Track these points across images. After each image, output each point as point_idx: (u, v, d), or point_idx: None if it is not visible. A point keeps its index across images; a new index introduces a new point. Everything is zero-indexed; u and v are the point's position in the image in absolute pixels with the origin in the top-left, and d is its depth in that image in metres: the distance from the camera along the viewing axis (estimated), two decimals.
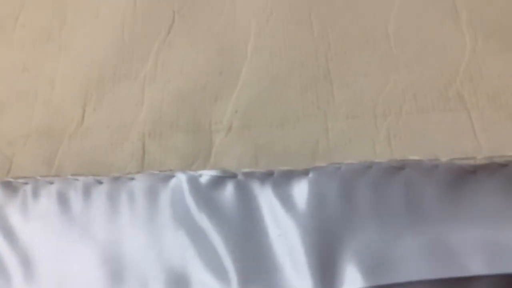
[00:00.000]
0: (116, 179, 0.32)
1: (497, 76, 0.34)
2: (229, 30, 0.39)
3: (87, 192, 0.31)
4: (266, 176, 0.31)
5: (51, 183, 0.32)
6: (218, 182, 0.31)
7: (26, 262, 0.31)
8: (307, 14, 0.39)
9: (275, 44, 0.38)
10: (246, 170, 0.31)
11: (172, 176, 0.32)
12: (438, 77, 0.35)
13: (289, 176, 0.31)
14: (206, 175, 0.31)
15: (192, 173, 0.31)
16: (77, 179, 0.32)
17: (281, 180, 0.31)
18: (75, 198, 0.31)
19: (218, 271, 0.30)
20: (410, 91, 0.35)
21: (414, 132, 0.33)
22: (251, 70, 0.37)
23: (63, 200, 0.31)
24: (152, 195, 0.31)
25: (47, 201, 0.32)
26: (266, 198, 0.31)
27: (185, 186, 0.31)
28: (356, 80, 0.35)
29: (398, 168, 0.30)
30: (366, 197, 0.30)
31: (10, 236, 0.32)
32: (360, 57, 0.36)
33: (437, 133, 0.33)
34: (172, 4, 0.40)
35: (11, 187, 0.32)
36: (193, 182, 0.31)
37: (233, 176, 0.31)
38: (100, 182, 0.32)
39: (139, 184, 0.32)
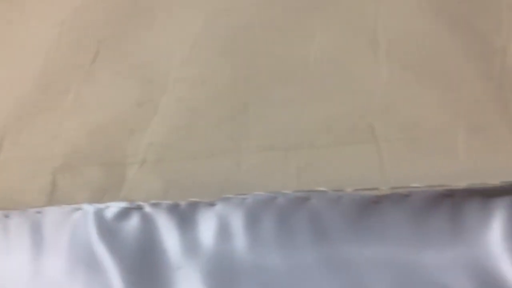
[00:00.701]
0: (22, 212, 0.32)
1: (410, 108, 0.35)
2: (153, 61, 0.39)
3: None
4: (173, 208, 0.31)
5: None
6: (124, 213, 0.31)
7: None
8: (230, 45, 0.39)
9: (196, 76, 0.38)
10: (153, 201, 0.31)
11: (79, 209, 0.32)
12: (352, 109, 0.35)
13: (195, 207, 0.31)
14: (113, 207, 0.31)
15: (98, 205, 0.31)
16: None
17: (187, 211, 0.31)
18: None
19: None
20: (324, 123, 0.35)
21: (324, 165, 0.33)
22: (170, 102, 0.37)
23: None
24: (57, 227, 0.31)
25: None
26: (170, 230, 0.31)
27: (90, 218, 0.31)
28: (273, 112, 0.35)
29: (303, 198, 0.30)
30: (271, 227, 0.30)
31: None
32: (279, 89, 0.37)
33: (346, 166, 0.33)
34: (97, 35, 0.41)
35: None
36: (99, 214, 0.31)
37: (139, 207, 0.31)
38: (7, 216, 0.32)
39: (45, 218, 0.32)
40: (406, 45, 0.37)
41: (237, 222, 0.30)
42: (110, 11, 0.41)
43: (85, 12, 0.43)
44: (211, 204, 0.31)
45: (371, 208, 0.30)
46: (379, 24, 0.39)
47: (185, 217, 0.31)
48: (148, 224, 0.31)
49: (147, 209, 0.31)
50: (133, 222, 0.31)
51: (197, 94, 0.37)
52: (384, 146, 0.33)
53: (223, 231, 0.30)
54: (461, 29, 0.38)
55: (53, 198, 0.33)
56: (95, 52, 0.40)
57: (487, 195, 0.29)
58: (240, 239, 0.30)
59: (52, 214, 0.31)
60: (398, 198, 0.30)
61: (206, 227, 0.30)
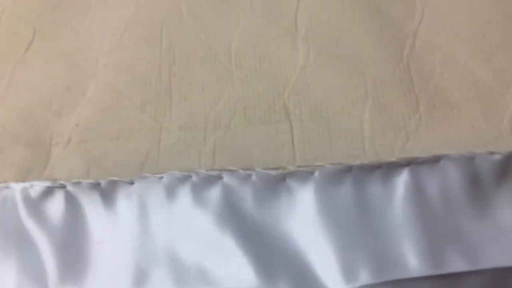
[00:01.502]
0: None
1: (322, 90, 0.37)
2: (84, 48, 0.41)
3: None
4: (93, 186, 0.33)
5: None
6: (48, 192, 0.33)
7: None
8: (158, 32, 0.41)
9: (124, 61, 0.39)
10: (75, 180, 0.33)
11: (6, 187, 0.33)
12: (268, 91, 0.37)
13: (115, 185, 0.33)
14: (37, 186, 0.33)
15: (24, 184, 0.33)
16: None
17: (107, 189, 0.33)
18: None
19: (38, 275, 0.32)
20: (241, 104, 0.37)
21: (239, 144, 0.35)
22: (97, 86, 0.38)
23: None
24: None
25: None
26: (92, 207, 0.33)
27: (18, 196, 0.33)
28: (194, 94, 0.37)
29: (216, 177, 0.32)
30: (186, 204, 0.32)
31: None
32: (201, 72, 0.38)
33: (260, 145, 0.35)
34: (34, 22, 0.42)
35: None
36: (25, 192, 0.33)
37: (62, 186, 0.33)
38: None
39: None
40: (322, 31, 0.40)
41: (154, 200, 0.32)
42: None
43: (24, 0, 0.44)
44: (130, 183, 0.32)
45: (278, 185, 0.32)
46: (299, 11, 0.41)
47: (105, 195, 0.32)
48: (71, 201, 0.33)
49: (69, 187, 0.33)
50: (57, 200, 0.33)
51: (123, 78, 0.38)
52: (296, 126, 0.35)
53: (141, 208, 0.32)
54: (376, 16, 0.40)
55: None
56: (30, 39, 0.41)
57: (386, 169, 0.32)
58: (156, 216, 0.32)
59: None
60: (303, 175, 0.32)
61: (125, 204, 0.32)
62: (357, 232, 0.31)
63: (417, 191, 0.31)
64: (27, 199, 0.33)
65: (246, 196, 0.32)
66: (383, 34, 0.39)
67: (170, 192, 0.32)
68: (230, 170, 0.32)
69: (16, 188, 0.33)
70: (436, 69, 0.37)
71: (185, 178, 0.32)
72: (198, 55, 0.39)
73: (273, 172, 0.32)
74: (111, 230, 0.32)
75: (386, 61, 0.37)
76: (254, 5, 0.41)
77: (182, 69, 0.39)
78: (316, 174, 0.31)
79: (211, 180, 0.32)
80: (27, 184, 0.33)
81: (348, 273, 0.30)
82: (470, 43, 0.38)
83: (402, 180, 0.31)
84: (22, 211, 0.33)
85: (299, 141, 0.35)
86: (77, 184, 0.33)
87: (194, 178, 0.32)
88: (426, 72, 0.37)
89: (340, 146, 0.34)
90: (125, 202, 0.32)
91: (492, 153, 0.31)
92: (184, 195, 0.32)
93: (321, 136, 0.35)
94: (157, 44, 0.40)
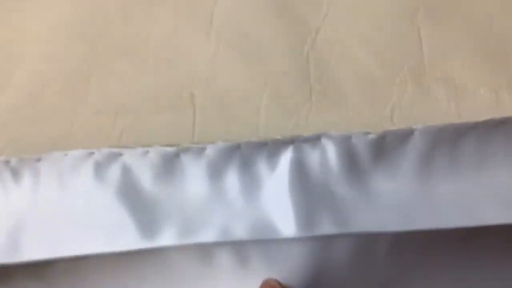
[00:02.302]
0: None
1: (227, 80, 0.40)
2: (16, 39, 0.44)
3: None
4: (5, 163, 0.36)
5: None
6: None
7: None
8: (85, 27, 0.44)
9: (50, 53, 0.42)
10: None
11: None
12: (178, 80, 0.40)
13: (23, 162, 0.36)
14: None
15: None
16: None
17: (17, 166, 0.36)
18: None
19: None
20: (151, 92, 0.40)
21: (145, 129, 0.38)
22: (23, 75, 0.41)
23: None
24: None
25: None
26: (5, 182, 0.36)
27: None
28: (110, 83, 0.40)
29: (116, 154, 0.35)
30: (86, 179, 0.35)
31: None
32: (119, 64, 0.41)
33: (164, 129, 0.38)
34: None
35: None
36: None
37: None
38: None
39: None
40: (234, 26, 0.43)
41: (58, 175, 0.35)
42: None
43: None
44: (38, 159, 0.36)
45: (173, 160, 0.35)
46: (217, 7, 0.44)
47: (15, 171, 0.36)
48: None
49: None
50: None
51: (49, 68, 0.42)
52: (199, 112, 0.38)
53: (46, 183, 0.35)
54: (285, 12, 0.43)
55: None
56: None
57: (271, 146, 0.35)
58: (60, 190, 0.35)
59: None
60: (196, 151, 0.35)
61: (32, 179, 0.35)
62: (241, 203, 0.34)
63: (299, 165, 0.34)
64: None
65: (144, 170, 0.35)
66: (289, 29, 0.42)
67: (72, 168, 0.35)
68: (130, 147, 0.35)
69: None
70: (332, 62, 0.40)
71: (88, 155, 0.35)
72: (118, 49, 0.42)
73: (169, 149, 0.35)
74: (22, 203, 0.35)
75: (287, 54, 0.40)
76: (176, 3, 0.44)
77: (102, 61, 0.42)
78: (208, 150, 0.35)
79: (112, 157, 0.35)
80: None
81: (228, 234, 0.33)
82: (366, 37, 0.41)
83: (286, 155, 0.34)
84: None
85: (200, 125, 0.38)
86: None
87: (97, 155, 0.35)
88: (323, 65, 0.40)
89: (236, 130, 0.37)
90: (32, 177, 0.35)
91: (367, 133, 0.34)
92: (87, 171, 0.35)
93: (220, 121, 0.38)
94: (82, 39, 0.43)
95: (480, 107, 0.37)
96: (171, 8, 0.44)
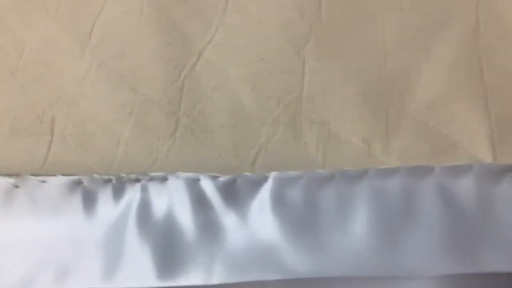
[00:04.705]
0: None
1: (92, 104, 0.37)
2: None
3: None
4: None
5: None
6: None
7: None
8: None
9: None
10: None
11: None
12: (42, 101, 0.37)
13: None
14: None
15: None
16: None
17: None
18: None
19: None
20: (12, 113, 0.37)
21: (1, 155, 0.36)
22: None
23: None
24: None
25: None
26: None
27: None
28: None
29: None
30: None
31: None
32: None
33: (19, 157, 0.36)
34: None
35: None
36: None
37: None
38: None
39: None
40: (112, 42, 0.40)
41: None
42: None
43: None
44: None
45: (12, 193, 0.33)
46: (99, 19, 0.41)
47: None
48: None
49: None
50: None
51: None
52: (56, 140, 0.36)
53: None
54: (170, 30, 0.40)
55: None
56: None
57: (116, 183, 0.33)
58: None
59: None
60: (35, 184, 0.33)
61: None
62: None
63: (144, 205, 0.32)
64: None
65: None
66: (169, 50, 0.39)
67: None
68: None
69: None
70: (208, 92, 0.37)
71: None
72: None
73: (8, 179, 0.33)
74: None
75: (162, 80, 0.38)
76: (59, 7, 0.41)
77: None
78: (49, 183, 0.33)
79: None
80: None
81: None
82: (247, 68, 0.38)
83: (131, 194, 0.33)
84: None
85: (53, 155, 0.35)
86: None
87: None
88: (196, 96, 0.37)
89: (91, 162, 0.35)
90: None
91: (216, 176, 0.32)
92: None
93: (77, 152, 0.35)
94: None
95: (348, 156, 0.35)
96: (52, 15, 0.41)
